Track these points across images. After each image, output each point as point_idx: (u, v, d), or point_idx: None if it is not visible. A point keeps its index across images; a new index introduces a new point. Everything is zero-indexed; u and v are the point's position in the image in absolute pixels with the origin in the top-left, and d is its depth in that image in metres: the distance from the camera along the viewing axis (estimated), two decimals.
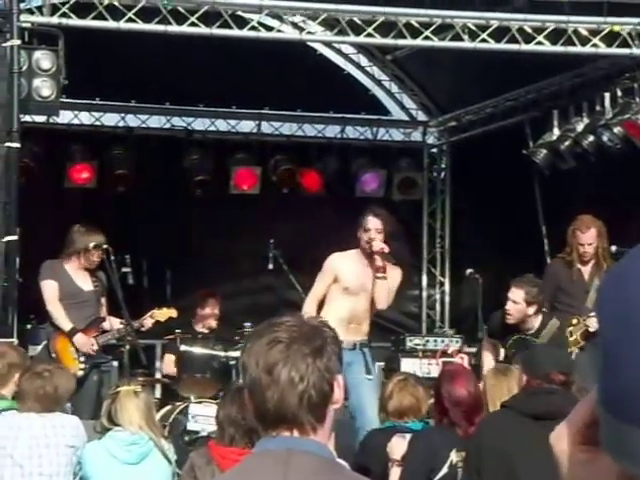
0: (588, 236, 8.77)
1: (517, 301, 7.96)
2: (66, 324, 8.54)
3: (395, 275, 8.03)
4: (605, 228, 8.82)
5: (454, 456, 5.14)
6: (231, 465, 5.16)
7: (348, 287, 7.86)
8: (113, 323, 8.71)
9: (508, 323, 7.98)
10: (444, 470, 5.17)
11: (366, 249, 7.85)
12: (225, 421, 5.15)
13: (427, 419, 5.86)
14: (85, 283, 8.70)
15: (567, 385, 4.76)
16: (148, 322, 8.83)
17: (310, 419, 2.27)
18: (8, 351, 6.22)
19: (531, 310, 7.99)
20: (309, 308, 7.81)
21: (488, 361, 8.19)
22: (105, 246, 8.55)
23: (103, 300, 8.82)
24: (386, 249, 7.81)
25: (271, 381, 2.26)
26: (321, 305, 7.97)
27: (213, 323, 10.39)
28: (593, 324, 8.48)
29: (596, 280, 8.83)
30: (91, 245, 8.56)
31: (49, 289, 8.58)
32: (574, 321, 8.52)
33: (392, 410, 5.85)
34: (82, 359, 8.55)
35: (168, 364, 9.85)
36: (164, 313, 8.98)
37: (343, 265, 7.93)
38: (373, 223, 7.86)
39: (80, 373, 8.33)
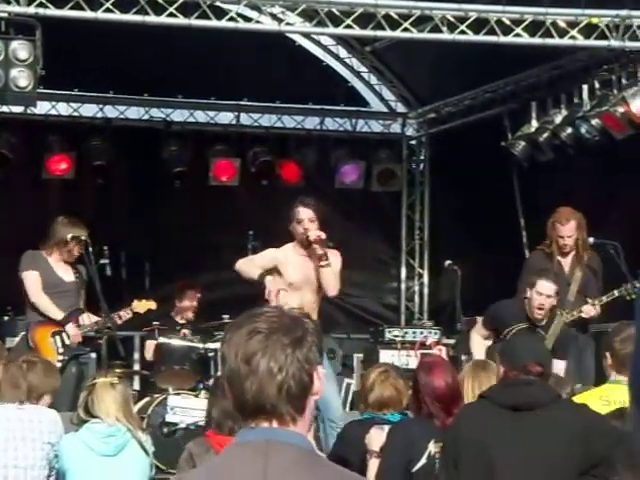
0: (568, 228, 8.81)
1: (551, 295, 8.06)
2: (57, 313, 8.56)
3: (336, 259, 7.92)
4: (585, 220, 8.86)
5: (432, 447, 5.15)
6: None
7: (292, 282, 7.78)
8: (90, 317, 8.68)
9: (538, 317, 8.03)
10: (422, 461, 5.18)
11: (303, 241, 7.76)
12: (221, 415, 5.18)
13: (406, 411, 5.86)
14: (66, 274, 8.69)
15: (544, 376, 4.77)
16: (127, 314, 8.81)
17: (289, 410, 2.27)
18: None
19: (555, 303, 8.10)
20: (246, 267, 7.79)
21: (478, 340, 8.23)
22: (84, 238, 8.52)
23: (82, 292, 8.80)
24: (323, 236, 7.74)
25: (249, 371, 2.25)
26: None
27: (191, 315, 10.39)
28: (587, 311, 8.58)
29: (577, 272, 8.87)
30: (69, 237, 8.53)
31: (32, 280, 8.55)
32: (558, 312, 8.56)
33: (373, 401, 5.84)
34: (60, 350, 8.53)
35: (149, 350, 9.84)
36: (143, 305, 8.96)
37: (283, 260, 7.82)
38: (305, 213, 7.76)
39: (58, 365, 8.30)
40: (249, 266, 7.92)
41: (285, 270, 7.81)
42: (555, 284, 8.10)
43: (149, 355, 9.91)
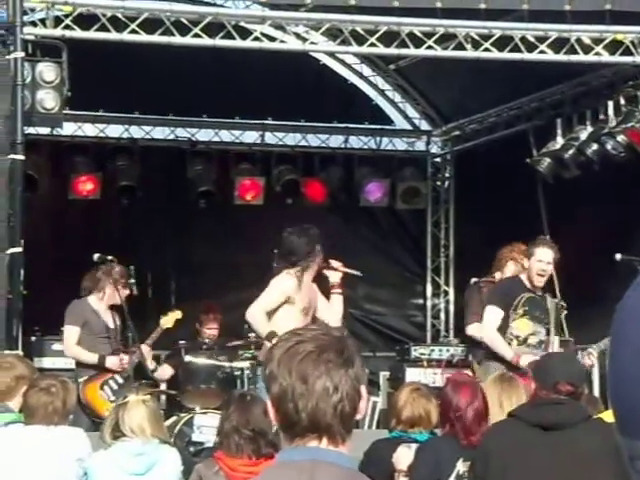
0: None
1: (550, 261, 8.21)
2: (92, 357, 8.68)
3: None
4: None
5: (461, 466, 5.13)
6: (241, 477, 5.20)
7: (303, 307, 7.80)
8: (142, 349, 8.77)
9: (540, 285, 8.21)
10: None
11: (322, 266, 7.87)
12: (230, 430, 5.20)
13: (435, 430, 5.84)
14: (110, 320, 8.83)
15: (575, 396, 4.73)
16: (157, 334, 8.88)
17: (341, 430, 2.26)
18: (16, 363, 6.18)
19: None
20: (261, 320, 7.70)
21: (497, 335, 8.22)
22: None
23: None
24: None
25: (306, 390, 2.23)
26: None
27: (216, 334, 10.36)
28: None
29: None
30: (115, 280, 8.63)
31: (69, 334, 8.69)
32: None
33: (405, 419, 5.83)
34: (112, 398, 8.50)
35: (163, 372, 9.79)
36: (170, 319, 8.98)
37: (296, 287, 7.80)
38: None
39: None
40: (259, 320, 7.79)
41: (297, 296, 7.79)
42: (554, 251, 8.23)
43: (162, 375, 9.83)
